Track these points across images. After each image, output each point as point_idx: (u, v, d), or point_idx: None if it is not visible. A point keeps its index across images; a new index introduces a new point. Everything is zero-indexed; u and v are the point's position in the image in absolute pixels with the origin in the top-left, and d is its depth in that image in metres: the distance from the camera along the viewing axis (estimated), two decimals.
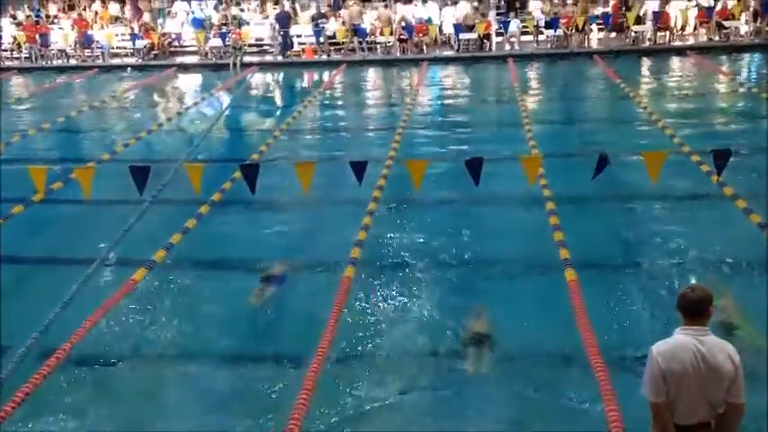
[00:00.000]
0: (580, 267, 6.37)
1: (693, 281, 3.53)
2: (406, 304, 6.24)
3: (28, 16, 22.37)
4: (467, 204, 8.47)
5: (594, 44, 20.31)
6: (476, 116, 13.76)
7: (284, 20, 20.78)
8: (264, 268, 6.77)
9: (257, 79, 19.24)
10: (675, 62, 18.26)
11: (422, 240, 7.52)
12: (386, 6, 21.92)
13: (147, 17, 22.16)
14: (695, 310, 3.46)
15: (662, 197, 8.21)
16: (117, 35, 21.76)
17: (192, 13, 22.11)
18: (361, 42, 20.68)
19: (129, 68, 20.46)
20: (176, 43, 21.93)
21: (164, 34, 21.63)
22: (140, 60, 20.89)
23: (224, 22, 21.53)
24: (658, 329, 5.12)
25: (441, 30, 20.93)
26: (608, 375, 4.77)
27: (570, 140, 11.50)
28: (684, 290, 3.52)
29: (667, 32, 19.63)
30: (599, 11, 20.54)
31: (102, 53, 21.27)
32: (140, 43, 21.04)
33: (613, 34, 20.76)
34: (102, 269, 6.95)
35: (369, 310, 6.16)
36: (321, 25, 20.92)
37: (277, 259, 6.97)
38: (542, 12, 20.65)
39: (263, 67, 20.23)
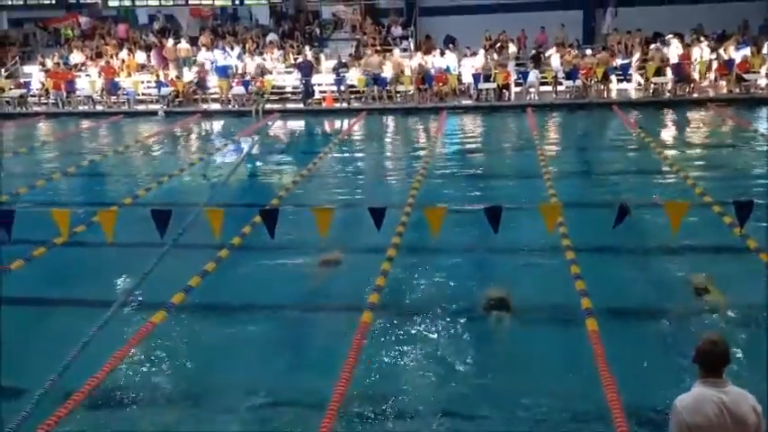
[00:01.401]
0: (601, 317, 6.31)
1: (713, 332, 3.50)
2: (423, 353, 6.21)
3: (56, 63, 23.06)
4: (485, 252, 8.49)
5: (614, 95, 20.46)
6: (495, 164, 13.85)
7: (306, 69, 21.26)
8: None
9: (278, 126, 19.57)
10: (696, 113, 18.32)
11: (440, 287, 7.51)
12: (407, 55, 22.29)
13: (172, 66, 22.74)
14: (718, 363, 3.43)
15: (683, 248, 8.16)
16: (143, 82, 22.34)
17: (215, 62, 22.66)
18: (380, 91, 21.02)
19: (159, 111, 20.84)
20: (199, 90, 22.43)
21: (189, 82, 22.16)
22: (165, 107, 21.36)
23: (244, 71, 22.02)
24: (681, 381, 5.04)
25: (460, 79, 21.25)
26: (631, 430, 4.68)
27: (590, 190, 11.52)
28: (705, 344, 3.47)
29: (688, 84, 19.77)
30: (618, 62, 20.75)
31: (128, 99, 21.81)
32: (165, 90, 21.57)
33: (632, 85, 20.95)
34: (122, 311, 7.01)
35: (384, 359, 6.12)
36: (342, 74, 21.34)
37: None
38: (562, 63, 20.92)
39: (284, 114, 20.60)
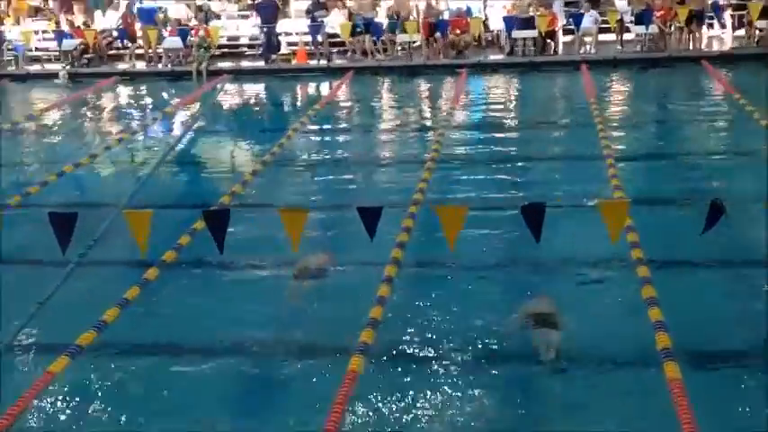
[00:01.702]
0: (686, 360, 6.30)
1: None
2: (436, 414, 6.20)
3: None
4: (522, 270, 8.47)
5: (703, 45, 20.54)
6: (535, 146, 13.85)
7: (269, 11, 21.25)
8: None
9: (229, 92, 19.56)
10: None
11: (459, 322, 7.49)
12: None
13: (78, 9, 22.76)
14: None
15: None
16: (37, 32, 22.34)
17: (140, 1, 22.69)
18: (375, 43, 21.04)
19: (60, 74, 20.81)
20: (119, 44, 22.43)
21: (102, 31, 22.16)
22: (69, 67, 21.34)
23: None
24: None
25: (486, 25, 21.28)
26: None
27: (670, 181, 11.51)
28: None
29: None
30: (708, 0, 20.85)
31: (17, 57, 21.78)
32: (69, 44, 21.54)
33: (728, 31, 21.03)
34: (9, 355, 6.97)
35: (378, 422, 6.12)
36: (319, 19, 21.36)
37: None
38: (630, 1, 21.00)
39: (238, 75, 20.59)
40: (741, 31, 20.77)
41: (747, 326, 7.26)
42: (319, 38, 21.12)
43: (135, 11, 22.52)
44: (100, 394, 6.60)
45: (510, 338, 7.17)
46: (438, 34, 20.74)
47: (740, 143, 13.40)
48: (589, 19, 20.56)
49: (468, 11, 21.38)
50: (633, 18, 20.52)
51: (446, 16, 21.13)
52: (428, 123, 15.66)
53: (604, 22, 20.86)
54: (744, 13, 20.53)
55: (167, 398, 6.58)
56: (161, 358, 7.21)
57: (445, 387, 6.53)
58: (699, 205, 6.71)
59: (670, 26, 20.29)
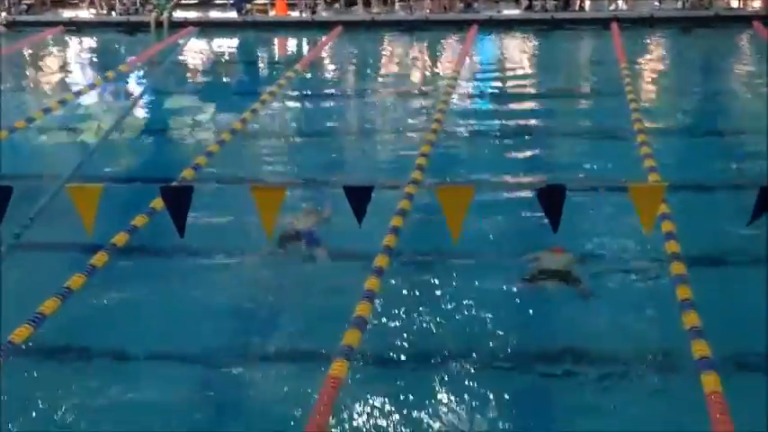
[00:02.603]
0: (726, 370, 6.34)
1: None
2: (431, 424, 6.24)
3: None
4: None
5: (757, 4, 20.55)
6: (555, 119, 13.87)
7: None
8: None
9: (195, 48, 19.52)
10: None
11: (463, 324, 7.52)
12: None
13: None
14: None
15: None
16: None
17: None
18: None
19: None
20: None
21: None
22: (6, 15, 21.26)
23: None
24: None
25: None
26: None
27: (712, 162, 11.54)
28: None
29: None
30: None
31: None
32: None
33: None
34: None
35: None
36: None
37: None
38: None
39: (206, 28, 20.54)
40: None
41: None
42: None
43: None
44: (34, 400, 6.60)
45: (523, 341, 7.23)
46: None
47: None
48: None
49: None
50: None
51: None
52: (429, 89, 15.65)
53: None
54: None
55: (115, 405, 6.56)
56: (108, 359, 7.19)
57: (440, 395, 6.56)
58: (746, 191, 6.70)
59: None
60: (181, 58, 18.72)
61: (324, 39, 19.41)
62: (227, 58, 20.07)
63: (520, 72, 17.31)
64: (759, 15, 19.51)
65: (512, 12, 20.96)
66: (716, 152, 12.01)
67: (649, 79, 16.01)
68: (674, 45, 19.02)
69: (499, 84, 16.20)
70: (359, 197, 6.75)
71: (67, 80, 17.25)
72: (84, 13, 21.91)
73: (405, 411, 6.33)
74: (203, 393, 6.77)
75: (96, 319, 7.67)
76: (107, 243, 8.48)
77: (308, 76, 16.79)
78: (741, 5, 20.27)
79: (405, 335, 7.35)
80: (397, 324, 7.48)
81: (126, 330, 7.55)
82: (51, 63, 18.84)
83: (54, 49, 19.69)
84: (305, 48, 19.55)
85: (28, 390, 6.71)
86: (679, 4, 20.68)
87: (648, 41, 18.97)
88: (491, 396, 6.54)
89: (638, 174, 10.22)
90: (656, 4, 20.83)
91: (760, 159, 11.46)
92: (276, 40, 20.39)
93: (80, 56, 19.59)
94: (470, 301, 7.84)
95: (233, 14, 21.37)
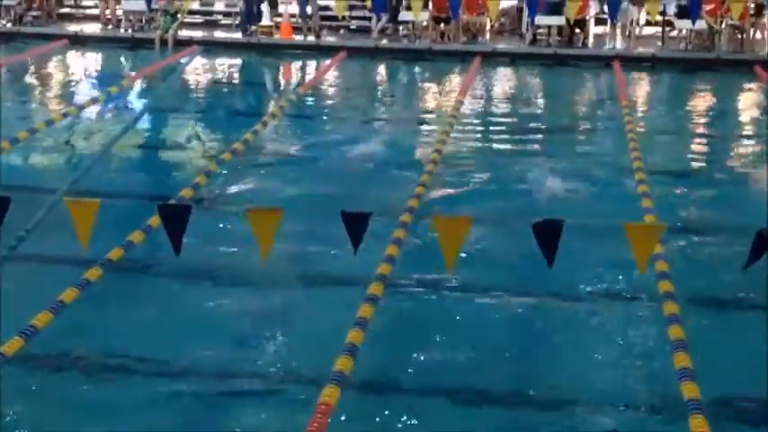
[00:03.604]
0: (715, 415, 6.32)
1: None
2: None
3: None
4: (532, 299, 8.48)
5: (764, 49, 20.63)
6: (555, 153, 13.88)
7: None
8: None
9: (198, 67, 19.55)
10: None
11: (455, 357, 7.50)
12: None
13: None
14: None
15: None
16: None
17: None
18: (379, 19, 21.09)
19: None
20: (71, 1, 22.42)
21: None
22: (9, 25, 21.31)
23: None
24: None
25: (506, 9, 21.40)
26: None
27: (710, 205, 11.57)
28: None
29: None
30: None
31: None
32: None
33: None
34: None
35: None
36: None
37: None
38: None
39: (210, 47, 20.58)
40: None
41: None
42: (309, 9, 21.15)
43: None
44: (24, 415, 6.57)
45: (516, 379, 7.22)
46: (448, 14, 20.79)
47: None
48: (627, 7, 20.59)
49: None
50: (677, 10, 20.60)
51: None
52: (430, 119, 15.69)
53: (646, 13, 20.93)
54: None
55: (102, 421, 6.52)
56: (100, 376, 7.15)
57: (432, 424, 6.54)
58: (743, 235, 6.72)
59: (721, 23, 20.38)
60: (184, 76, 18.76)
61: (327, 63, 19.46)
62: (230, 78, 20.12)
63: (521, 105, 17.34)
64: (761, 60, 19.59)
65: (515, 46, 21.03)
66: (714, 194, 12.04)
67: (649, 119, 16.03)
68: (675, 86, 19.08)
69: (500, 116, 16.24)
70: (355, 223, 6.77)
71: (70, 93, 17.26)
72: (90, 28, 21.96)
73: None
74: (190, 417, 6.74)
75: (87, 333, 7.65)
76: (102, 258, 8.47)
77: (310, 99, 16.82)
78: (744, 48, 20.33)
79: (392, 363, 7.35)
80: (385, 352, 7.47)
81: (116, 343, 7.51)
82: (54, 76, 18.87)
83: (57, 62, 19.71)
84: (308, 72, 19.59)
85: (16, 401, 6.69)
86: (682, 45, 20.77)
87: (649, 81, 19.04)
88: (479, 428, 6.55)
89: (635, 212, 10.24)
90: (659, 43, 20.92)
91: (756, 204, 11.49)
92: (280, 63, 20.43)
93: (83, 70, 19.61)
94: (463, 332, 7.85)
95: (238, 35, 21.43)
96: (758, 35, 20.67)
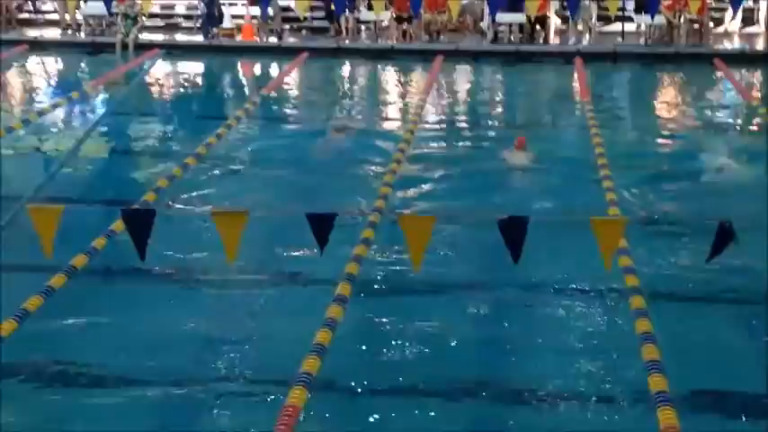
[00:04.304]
0: (686, 409, 6.37)
1: None
2: None
3: None
4: (497, 294, 8.52)
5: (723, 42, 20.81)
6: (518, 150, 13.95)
7: None
8: None
9: (160, 70, 19.46)
10: None
11: (422, 355, 7.51)
12: None
13: None
14: None
15: None
16: None
17: None
18: (336, 19, 21.10)
19: None
20: (30, 6, 22.26)
21: None
22: None
23: None
24: None
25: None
26: None
27: (674, 198, 11.65)
28: None
29: None
30: None
31: None
32: None
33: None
34: None
35: None
36: None
37: None
38: None
39: (172, 51, 20.50)
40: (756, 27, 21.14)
41: (755, 370, 7.36)
42: (270, 11, 21.10)
43: None
44: None
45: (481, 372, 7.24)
46: (410, 13, 20.81)
47: (756, 158, 13.56)
48: (588, 5, 20.72)
49: None
50: (636, 5, 20.70)
51: None
52: (393, 117, 15.71)
53: (604, 9, 21.04)
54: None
55: (67, 428, 6.51)
56: (65, 385, 7.13)
57: (401, 423, 6.55)
58: (707, 228, 6.76)
59: (679, 17, 20.54)
60: (146, 80, 18.65)
61: (289, 65, 19.42)
62: (192, 81, 20.04)
63: (484, 103, 17.43)
64: (719, 53, 19.76)
65: (476, 44, 21.09)
66: (676, 189, 12.13)
67: (611, 114, 16.11)
68: (637, 81, 19.21)
69: (464, 114, 16.30)
70: (321, 225, 6.76)
71: (30, 99, 17.14)
72: (50, 33, 21.80)
73: None
74: (157, 420, 6.72)
75: (52, 340, 7.59)
76: (67, 265, 8.41)
77: (273, 101, 16.78)
78: (702, 40, 20.50)
79: (361, 362, 7.35)
80: (354, 352, 7.47)
81: (82, 350, 7.48)
82: (14, 82, 18.70)
83: (17, 69, 19.54)
84: (271, 73, 19.54)
85: None
86: (641, 40, 20.91)
87: (610, 77, 19.15)
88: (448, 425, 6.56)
89: (599, 207, 10.30)
90: (619, 39, 21.03)
91: (717, 196, 11.59)
92: (242, 65, 20.38)
93: (44, 76, 19.47)
94: (430, 331, 7.86)
95: (199, 38, 21.35)
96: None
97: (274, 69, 19.67)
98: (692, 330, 7.89)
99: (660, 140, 14.95)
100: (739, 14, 20.98)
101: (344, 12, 20.88)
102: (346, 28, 21.27)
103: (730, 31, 21.84)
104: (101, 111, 15.99)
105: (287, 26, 21.93)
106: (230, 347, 7.64)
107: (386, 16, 21.02)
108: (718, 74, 18.53)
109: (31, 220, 6.99)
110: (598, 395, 6.95)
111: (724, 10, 21.51)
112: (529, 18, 20.54)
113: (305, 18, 21.36)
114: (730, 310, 8.41)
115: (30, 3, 22.49)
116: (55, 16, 22.18)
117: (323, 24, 22.35)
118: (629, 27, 21.30)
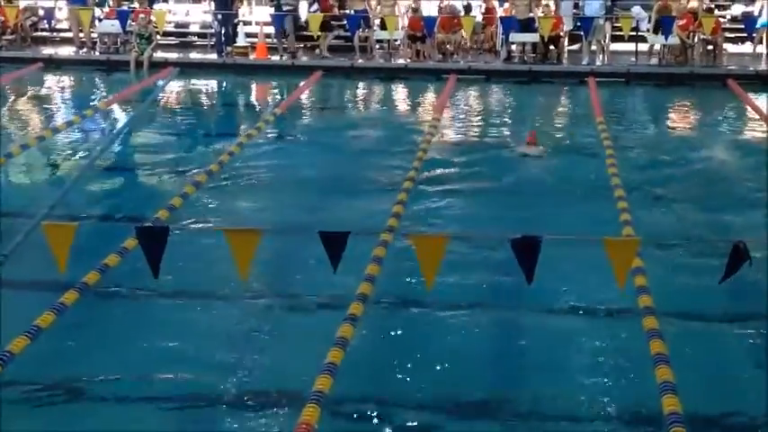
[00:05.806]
0: (698, 430, 6.34)
1: None
2: None
3: None
4: (511, 315, 8.51)
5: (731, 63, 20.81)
6: (531, 170, 13.92)
7: None
8: None
9: (174, 88, 19.51)
10: None
11: (436, 376, 7.49)
12: None
13: None
14: None
15: None
16: None
17: None
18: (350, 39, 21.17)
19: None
20: (45, 25, 22.39)
21: (26, 9, 22.09)
22: None
23: None
24: None
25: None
26: None
27: (688, 220, 11.61)
28: None
29: None
30: (737, 9, 21.13)
31: None
32: None
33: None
34: None
35: None
36: (287, 7, 21.43)
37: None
38: (645, 8, 21.26)
39: (186, 69, 20.56)
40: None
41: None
42: (286, 29, 21.17)
43: None
44: None
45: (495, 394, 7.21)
46: (424, 32, 20.89)
47: None
48: (601, 25, 20.70)
49: (469, 8, 21.52)
50: (651, 25, 20.72)
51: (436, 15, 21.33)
52: (407, 137, 15.69)
53: (618, 28, 21.05)
54: None
55: None
56: (77, 402, 7.12)
57: None
58: (721, 250, 6.75)
59: (694, 38, 20.53)
60: (159, 98, 18.71)
61: (302, 84, 19.46)
62: (205, 99, 20.11)
63: (497, 122, 17.40)
64: (733, 74, 19.73)
65: (491, 63, 21.12)
66: (689, 210, 12.08)
67: (625, 136, 16.07)
68: (651, 102, 19.19)
69: (477, 134, 16.28)
70: (334, 243, 6.76)
71: (45, 117, 17.19)
72: (65, 51, 21.92)
73: None
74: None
75: (64, 358, 7.59)
76: (78, 282, 8.41)
77: (287, 120, 16.81)
78: (716, 62, 20.50)
79: (373, 382, 7.34)
80: (366, 371, 7.46)
81: (94, 368, 7.45)
82: (29, 99, 18.78)
83: (32, 86, 19.63)
84: (284, 92, 19.59)
85: None
86: (655, 60, 20.90)
87: (624, 97, 19.13)
88: None
89: (613, 228, 10.27)
90: (632, 59, 21.03)
91: (732, 217, 11.55)
92: (255, 84, 20.43)
93: (59, 93, 19.54)
94: (443, 350, 7.84)
95: (213, 56, 21.43)
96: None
97: (287, 88, 19.69)
98: (704, 351, 7.88)
99: (673, 161, 14.91)
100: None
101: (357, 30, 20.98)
102: (360, 47, 21.32)
103: (744, 52, 21.80)
104: (115, 128, 16.03)
105: (300, 45, 21.98)
106: (243, 365, 7.65)
107: (399, 35, 21.07)
108: (732, 94, 18.47)
109: (45, 236, 7.02)
110: (610, 415, 6.93)
111: (738, 30, 21.48)
112: (542, 38, 20.54)
113: (319, 36, 21.39)
114: (743, 329, 8.38)
115: (45, 21, 22.56)
116: (70, 34, 22.27)
117: (337, 42, 22.39)
118: (643, 47, 21.29)
